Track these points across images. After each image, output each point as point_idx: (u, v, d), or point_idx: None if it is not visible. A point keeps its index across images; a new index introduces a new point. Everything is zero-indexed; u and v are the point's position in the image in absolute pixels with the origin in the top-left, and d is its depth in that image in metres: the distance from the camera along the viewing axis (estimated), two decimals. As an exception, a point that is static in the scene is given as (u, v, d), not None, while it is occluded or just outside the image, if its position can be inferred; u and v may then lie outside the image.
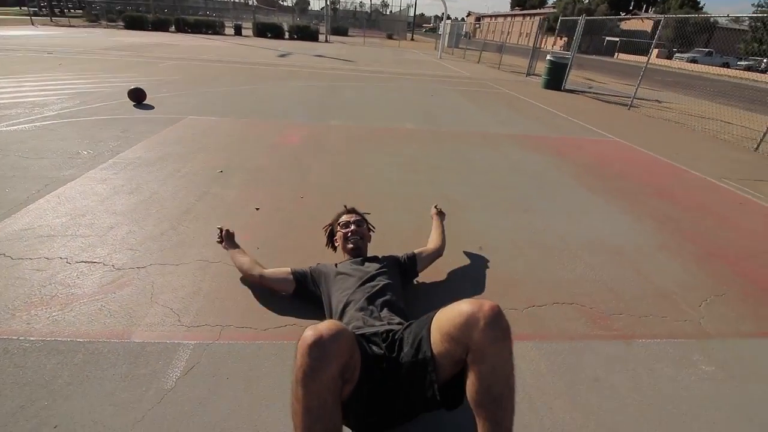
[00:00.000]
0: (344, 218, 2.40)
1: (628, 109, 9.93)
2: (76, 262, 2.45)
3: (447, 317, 1.31)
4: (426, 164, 4.66)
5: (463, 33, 34.76)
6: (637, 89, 10.10)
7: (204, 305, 2.17)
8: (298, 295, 2.16)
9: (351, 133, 5.78)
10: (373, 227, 2.54)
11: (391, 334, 1.57)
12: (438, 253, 2.50)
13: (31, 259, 2.46)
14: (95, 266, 2.43)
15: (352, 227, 2.30)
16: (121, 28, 25.71)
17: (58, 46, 14.24)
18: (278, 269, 2.23)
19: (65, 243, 2.64)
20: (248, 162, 4.30)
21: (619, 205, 3.90)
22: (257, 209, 3.26)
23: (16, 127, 4.97)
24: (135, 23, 25.36)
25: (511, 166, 4.84)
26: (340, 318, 1.80)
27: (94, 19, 30.62)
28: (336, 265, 2.15)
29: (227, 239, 2.45)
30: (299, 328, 2.05)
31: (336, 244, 2.41)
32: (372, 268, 2.06)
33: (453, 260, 2.73)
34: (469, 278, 2.57)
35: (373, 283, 1.93)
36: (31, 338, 1.90)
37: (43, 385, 1.68)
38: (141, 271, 2.41)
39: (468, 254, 2.83)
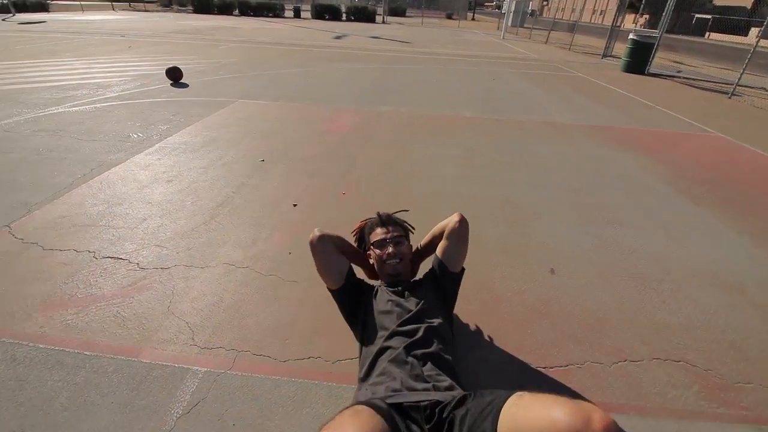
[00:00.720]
0: (379, 234, 1.88)
1: (729, 97, 8.42)
2: (102, 257, 2.30)
3: (530, 424, 0.87)
4: (486, 158, 4.10)
5: (529, 11, 32.25)
6: (742, 74, 8.53)
7: (222, 321, 1.90)
8: (341, 294, 1.72)
9: (403, 120, 5.32)
10: (413, 228, 2.02)
11: (438, 410, 1.16)
12: (454, 230, 1.74)
13: (60, 250, 2.35)
14: (120, 263, 2.26)
15: (390, 249, 1.80)
16: (190, 12, 26.95)
17: (131, 29, 15.06)
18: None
19: (97, 234, 2.51)
20: (292, 150, 4.02)
21: (733, 222, 3.11)
22: (294, 205, 2.96)
23: (77, 108, 5.12)
24: (202, 7, 26.44)
25: (589, 164, 4.13)
26: (370, 370, 1.41)
27: (167, 3, 32.44)
28: (375, 291, 1.76)
29: None
30: (324, 365, 1.71)
31: (369, 261, 1.99)
32: (412, 302, 1.64)
33: (515, 284, 2.24)
34: (536, 312, 2.07)
35: (414, 326, 1.51)
36: (41, 345, 1.74)
37: (40, 407, 1.49)
38: (164, 273, 2.20)
39: (534, 278, 2.32)
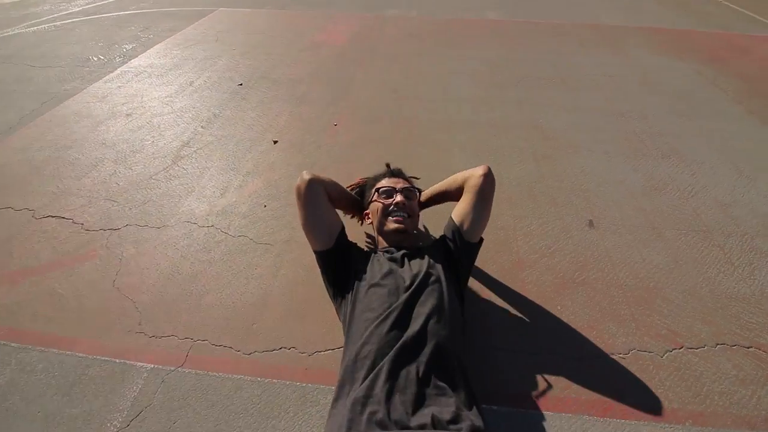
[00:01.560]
0: (386, 182, 1.52)
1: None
2: (43, 217, 1.93)
3: None
4: (512, 74, 3.36)
5: None
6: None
7: (177, 299, 1.55)
8: (329, 258, 1.34)
9: (412, 27, 4.44)
10: (420, 189, 1.62)
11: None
12: (476, 188, 1.34)
13: (-5, 208, 1.98)
14: (62, 224, 1.89)
15: (398, 198, 1.43)
16: None
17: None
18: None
19: (39, 186, 2.11)
20: (277, 70, 3.36)
21: (824, 150, 2.46)
22: (275, 142, 2.44)
23: (36, 28, 4.42)
24: None
25: (641, 78, 3.35)
26: (351, 375, 1.05)
27: None
28: (370, 259, 1.34)
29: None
30: (299, 359, 1.37)
31: (367, 220, 1.56)
32: (415, 273, 1.25)
33: (542, 242, 1.78)
34: (568, 281, 1.64)
35: (414, 310, 1.14)
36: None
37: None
38: (113, 236, 1.82)
39: (568, 233, 1.85)
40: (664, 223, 1.90)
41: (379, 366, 1.03)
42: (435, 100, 2.93)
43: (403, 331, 1.10)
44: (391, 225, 1.40)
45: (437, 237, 1.46)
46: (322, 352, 1.38)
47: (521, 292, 1.57)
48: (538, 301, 1.54)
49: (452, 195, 1.48)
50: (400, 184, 1.51)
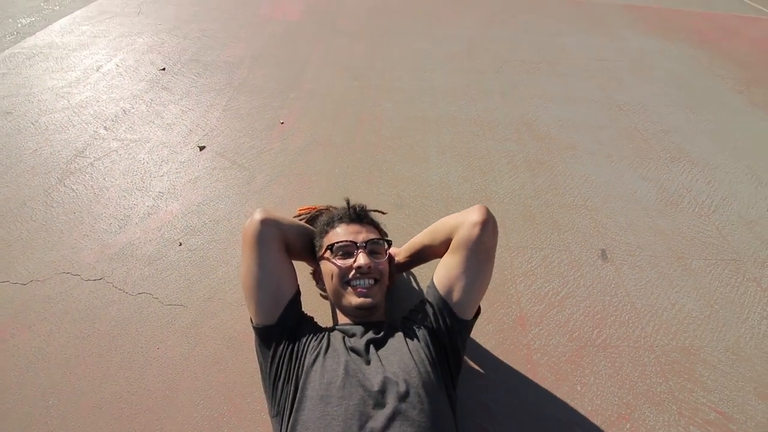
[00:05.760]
0: (344, 233, 1.03)
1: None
2: None
3: None
4: (492, 57, 2.91)
5: None
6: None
7: (37, 408, 1.03)
8: (270, 336, 0.92)
9: None
10: (388, 240, 1.12)
11: None
12: (471, 243, 0.92)
13: None
14: None
15: (361, 259, 0.96)
16: None
17: None
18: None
19: None
20: (211, 51, 2.75)
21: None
22: (201, 148, 1.90)
23: None
24: None
25: (633, 63, 2.99)
26: None
27: None
28: (323, 342, 0.90)
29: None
30: None
31: (321, 277, 1.09)
32: (387, 375, 0.82)
33: (548, 285, 1.39)
34: (587, 343, 1.26)
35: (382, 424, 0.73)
36: None
37: None
38: (-48, 299, 1.26)
39: (578, 268, 1.46)
40: (688, 250, 1.55)
41: None
42: (405, 90, 2.44)
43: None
44: (353, 299, 0.96)
45: (415, 307, 1.02)
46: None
47: (527, 366, 1.17)
48: (551, 380, 1.14)
49: (437, 251, 1.03)
50: (362, 234, 1.03)
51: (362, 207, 1.11)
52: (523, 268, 1.43)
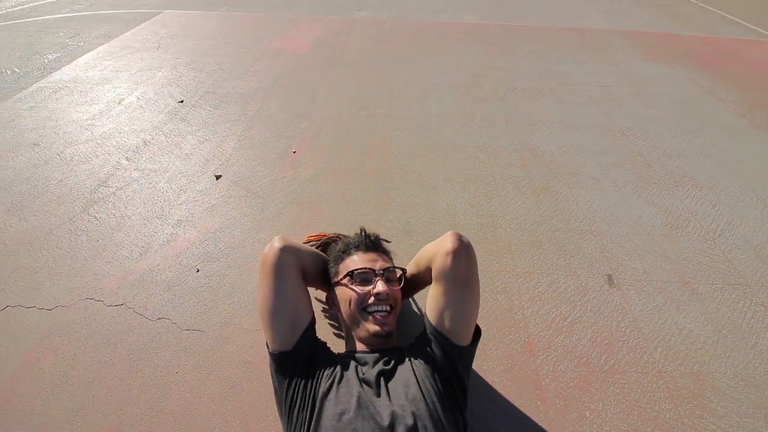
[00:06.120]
0: (361, 260, 1.09)
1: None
2: None
3: None
4: (496, 85, 3.01)
5: None
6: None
7: (68, 421, 1.08)
8: (286, 362, 0.95)
9: (383, 32, 4.04)
10: (403, 269, 1.18)
11: None
12: (446, 272, 0.95)
13: None
14: None
15: (380, 286, 1.01)
16: None
17: None
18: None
19: None
20: (226, 83, 2.89)
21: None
22: (218, 177, 1.98)
23: (-62, 32, 3.75)
24: None
25: (634, 88, 3.07)
26: None
27: None
28: (337, 369, 0.94)
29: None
30: None
31: (336, 300, 1.13)
32: (396, 407, 0.85)
33: (555, 311, 1.41)
34: (595, 369, 1.27)
35: None
36: None
37: None
38: (-18, 325, 1.32)
39: (585, 294, 1.48)
40: (695, 275, 1.57)
41: None
42: (412, 119, 2.53)
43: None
44: (371, 327, 1.00)
45: (419, 337, 1.05)
46: None
47: (536, 392, 1.19)
48: (559, 406, 1.16)
49: (426, 279, 1.08)
50: (379, 262, 1.09)
51: (376, 236, 1.17)
52: (530, 294, 1.46)
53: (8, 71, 3.03)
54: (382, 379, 0.92)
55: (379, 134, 2.36)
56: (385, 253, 1.17)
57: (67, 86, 2.80)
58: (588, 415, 1.14)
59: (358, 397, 0.87)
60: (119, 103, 2.59)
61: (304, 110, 2.58)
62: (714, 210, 1.90)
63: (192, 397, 1.15)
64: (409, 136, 2.35)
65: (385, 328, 0.99)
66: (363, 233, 1.17)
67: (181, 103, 2.60)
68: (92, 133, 2.28)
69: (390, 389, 0.90)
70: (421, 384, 0.91)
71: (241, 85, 2.86)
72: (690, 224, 1.81)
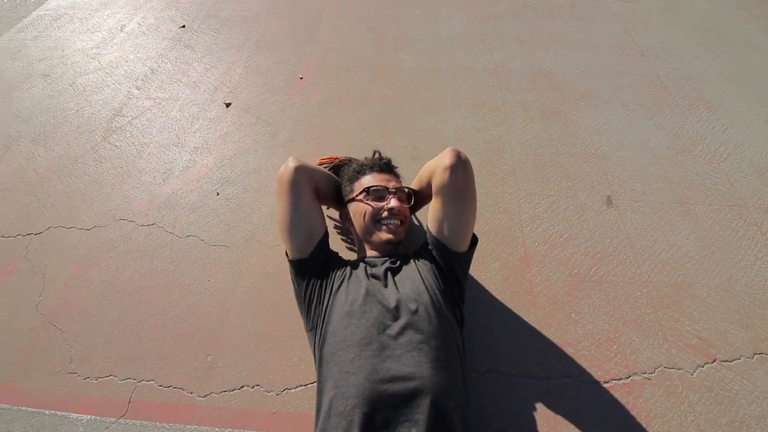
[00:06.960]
0: (377, 181, 1.18)
1: None
2: (-57, 220, 1.56)
3: None
4: (511, 0, 2.82)
5: None
6: None
7: (113, 329, 1.27)
8: (304, 269, 1.08)
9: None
10: (413, 189, 1.27)
11: None
12: (446, 186, 1.02)
13: None
14: (-33, 229, 1.53)
15: (393, 202, 1.13)
16: None
17: None
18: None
19: (-63, 177, 1.71)
20: (226, 5, 2.76)
21: None
22: (227, 105, 2.01)
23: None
24: None
25: (662, 2, 2.83)
26: (326, 420, 0.87)
27: None
28: (347, 272, 1.07)
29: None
30: (264, 400, 1.13)
31: (349, 215, 1.23)
32: (402, 295, 0.99)
33: (553, 228, 1.50)
34: (584, 279, 1.39)
35: (400, 354, 0.89)
36: None
37: None
38: (34, 242, 1.49)
39: (583, 214, 1.56)
40: (693, 195, 1.62)
41: (359, 429, 0.81)
42: (421, 40, 2.43)
43: (387, 380, 0.86)
44: (384, 236, 1.11)
45: (420, 246, 1.17)
46: (293, 390, 1.15)
47: (528, 297, 1.32)
48: (548, 309, 1.30)
49: (427, 195, 1.16)
50: (392, 182, 1.21)
51: (389, 159, 1.28)
52: (530, 214, 1.54)
53: (4, 0, 2.93)
54: (389, 273, 1.05)
55: (387, 58, 2.30)
56: (396, 176, 1.26)
57: (66, 13, 2.72)
58: (573, 316, 1.28)
59: (366, 288, 1.00)
60: (121, 30, 2.53)
61: (309, 33, 2.49)
62: (725, 133, 1.88)
63: (225, 300, 1.32)
64: (418, 60, 2.28)
65: (397, 236, 1.11)
66: (378, 155, 1.25)
67: (183, 29, 2.53)
68: (99, 62, 2.28)
69: (397, 281, 1.03)
70: (424, 279, 1.03)
71: (242, 7, 2.74)
72: (697, 147, 1.81)
